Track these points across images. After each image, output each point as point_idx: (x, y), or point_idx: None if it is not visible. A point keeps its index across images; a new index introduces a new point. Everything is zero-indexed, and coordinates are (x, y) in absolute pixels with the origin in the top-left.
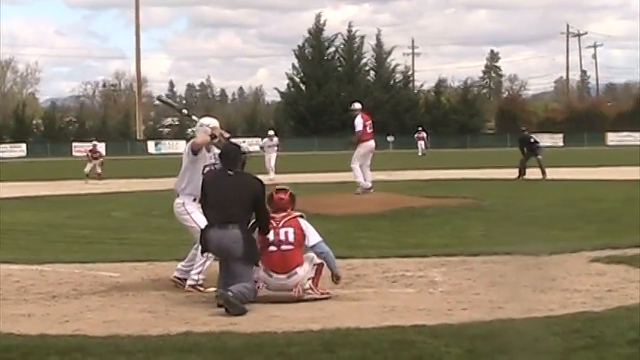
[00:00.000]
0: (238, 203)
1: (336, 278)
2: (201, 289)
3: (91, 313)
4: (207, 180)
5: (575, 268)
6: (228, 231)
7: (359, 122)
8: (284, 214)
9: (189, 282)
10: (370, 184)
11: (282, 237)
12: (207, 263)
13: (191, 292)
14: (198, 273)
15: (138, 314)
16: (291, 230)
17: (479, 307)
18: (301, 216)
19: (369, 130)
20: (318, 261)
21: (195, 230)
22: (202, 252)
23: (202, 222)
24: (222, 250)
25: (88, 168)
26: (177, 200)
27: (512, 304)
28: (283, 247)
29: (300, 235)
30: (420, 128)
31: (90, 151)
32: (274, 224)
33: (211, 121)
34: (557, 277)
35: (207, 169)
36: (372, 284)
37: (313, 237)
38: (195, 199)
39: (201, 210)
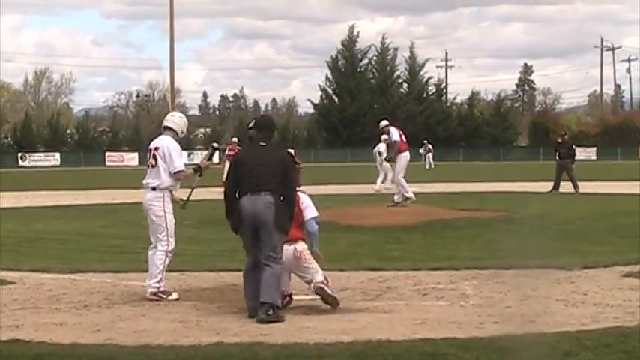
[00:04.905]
0: (270, 172)
1: (315, 256)
2: (164, 295)
3: (123, 323)
4: (240, 158)
5: (607, 282)
6: (260, 197)
7: (395, 132)
8: None
9: (150, 289)
10: (402, 196)
11: None
12: (164, 266)
13: (154, 299)
14: (159, 280)
15: (169, 324)
16: None
17: (510, 321)
18: (302, 191)
19: (404, 141)
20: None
21: (161, 229)
22: (234, 229)
23: (171, 226)
24: (255, 216)
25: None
26: (155, 194)
27: (543, 318)
28: None
29: (299, 211)
30: (426, 141)
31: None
32: None
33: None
34: (589, 292)
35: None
36: (404, 296)
37: (310, 212)
38: (171, 193)
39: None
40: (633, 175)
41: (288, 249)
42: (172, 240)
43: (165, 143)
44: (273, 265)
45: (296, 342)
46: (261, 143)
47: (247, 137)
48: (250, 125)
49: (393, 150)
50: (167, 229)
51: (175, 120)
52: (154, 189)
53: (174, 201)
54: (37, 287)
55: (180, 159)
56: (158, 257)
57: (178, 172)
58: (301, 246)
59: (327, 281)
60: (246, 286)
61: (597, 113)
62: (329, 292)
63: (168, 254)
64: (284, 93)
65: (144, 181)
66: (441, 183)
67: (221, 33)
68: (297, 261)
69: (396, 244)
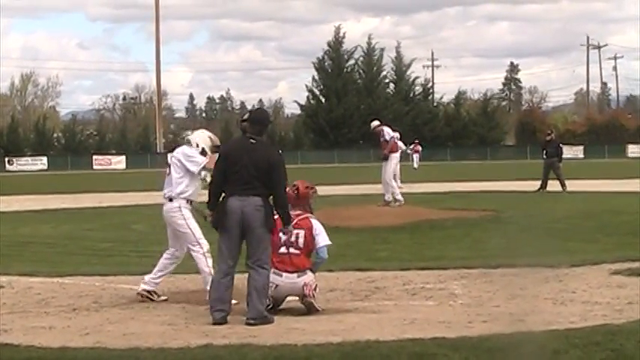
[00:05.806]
0: (257, 174)
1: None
2: (155, 296)
3: (112, 326)
4: (229, 150)
5: (595, 280)
6: (249, 199)
7: (389, 130)
8: (299, 212)
9: (147, 287)
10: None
11: (292, 239)
12: (210, 267)
13: (144, 298)
14: (157, 278)
15: (158, 327)
16: (302, 233)
17: (499, 320)
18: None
19: (395, 141)
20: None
21: (189, 237)
22: (216, 227)
23: (197, 230)
24: (243, 217)
25: None
26: (172, 204)
27: (532, 317)
28: (292, 250)
29: (310, 239)
30: (417, 141)
31: None
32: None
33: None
34: (578, 290)
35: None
36: (392, 297)
37: (323, 239)
38: (189, 202)
39: (193, 218)
40: (621, 174)
41: (296, 283)
42: (203, 241)
43: (179, 150)
44: (259, 273)
45: (285, 343)
46: (252, 140)
47: (240, 129)
48: (244, 117)
49: (388, 148)
50: (194, 234)
51: (194, 132)
52: (170, 200)
53: (201, 214)
54: (25, 291)
55: (197, 157)
56: (200, 263)
57: (201, 167)
58: (309, 278)
59: (316, 290)
60: (214, 294)
61: (584, 111)
62: (316, 306)
63: (207, 254)
64: (271, 94)
65: (162, 192)
66: (429, 183)
67: (207, 35)
68: (301, 292)
69: (383, 245)
